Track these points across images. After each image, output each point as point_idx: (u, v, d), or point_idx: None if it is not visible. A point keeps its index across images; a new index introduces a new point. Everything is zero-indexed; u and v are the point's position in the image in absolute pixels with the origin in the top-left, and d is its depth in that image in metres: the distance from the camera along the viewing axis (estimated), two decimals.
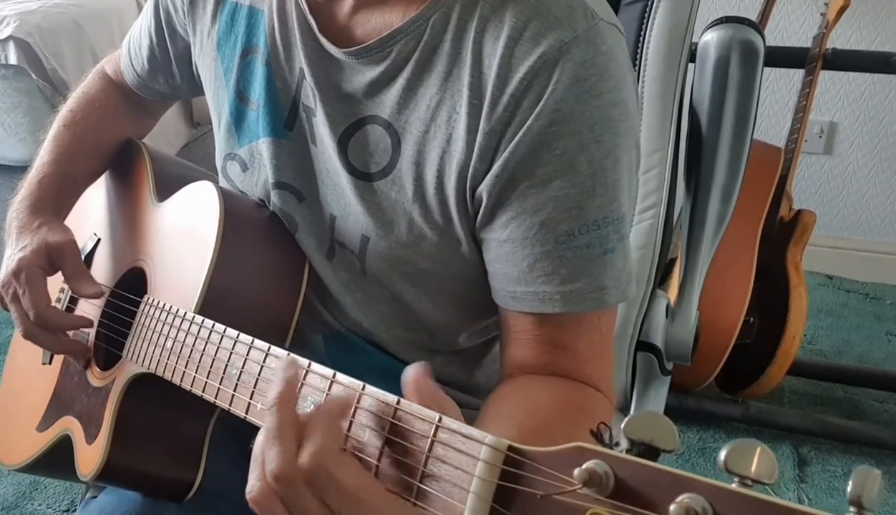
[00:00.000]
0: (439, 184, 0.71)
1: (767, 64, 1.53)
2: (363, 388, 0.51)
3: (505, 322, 0.74)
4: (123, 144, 1.02)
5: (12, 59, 1.94)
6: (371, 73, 0.72)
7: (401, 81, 0.71)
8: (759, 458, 0.34)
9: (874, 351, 2.18)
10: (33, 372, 0.97)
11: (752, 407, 1.84)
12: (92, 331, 0.90)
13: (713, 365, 1.76)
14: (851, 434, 1.81)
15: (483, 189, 0.69)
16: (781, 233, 1.85)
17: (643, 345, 1.25)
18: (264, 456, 0.49)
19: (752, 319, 1.78)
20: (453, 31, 0.69)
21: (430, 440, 0.44)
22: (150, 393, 0.79)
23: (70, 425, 0.86)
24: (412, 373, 0.49)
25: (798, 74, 1.86)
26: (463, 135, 0.68)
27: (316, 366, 0.55)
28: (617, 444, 0.36)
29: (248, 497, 0.50)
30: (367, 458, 0.49)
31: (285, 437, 0.49)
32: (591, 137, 0.66)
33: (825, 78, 2.28)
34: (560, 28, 0.65)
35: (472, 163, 0.68)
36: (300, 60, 0.77)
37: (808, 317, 1.85)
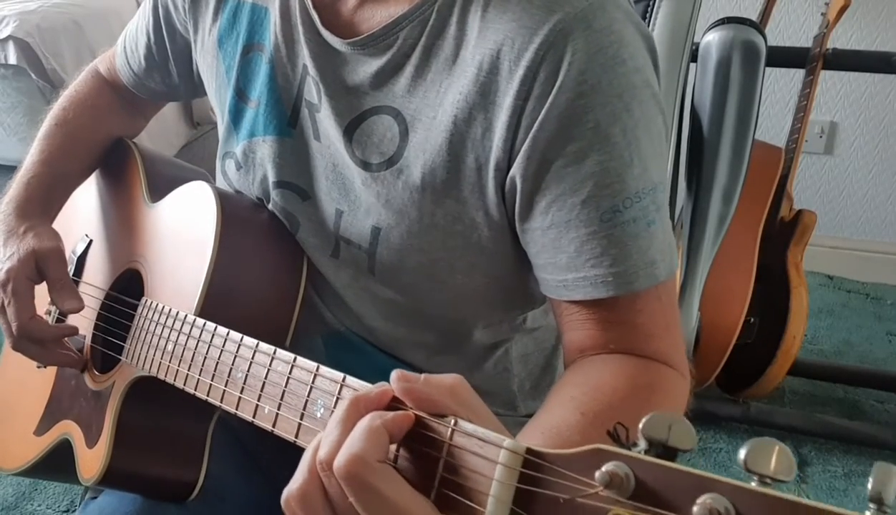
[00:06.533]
0: (454, 167, 0.69)
1: (768, 64, 1.53)
2: None
3: (556, 309, 0.72)
4: (114, 144, 1.01)
5: (12, 59, 1.94)
6: (376, 62, 0.72)
7: (409, 69, 0.70)
8: (777, 456, 0.35)
9: (875, 352, 2.18)
10: (29, 375, 0.96)
11: (752, 407, 1.84)
12: (88, 334, 0.89)
13: (714, 366, 1.76)
14: (852, 434, 1.81)
15: (516, 172, 0.67)
16: (782, 233, 1.85)
17: None
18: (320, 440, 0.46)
19: (752, 319, 1.77)
20: (458, 13, 0.68)
21: (446, 444, 0.43)
22: (151, 395, 0.78)
23: (69, 429, 0.85)
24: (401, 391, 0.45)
25: (798, 74, 1.86)
26: (475, 114, 0.67)
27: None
28: (635, 445, 0.35)
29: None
30: None
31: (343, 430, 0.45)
32: (622, 106, 0.64)
33: (825, 78, 2.27)
34: None
35: (495, 141, 0.67)
36: (303, 56, 0.76)
37: (809, 317, 1.85)
